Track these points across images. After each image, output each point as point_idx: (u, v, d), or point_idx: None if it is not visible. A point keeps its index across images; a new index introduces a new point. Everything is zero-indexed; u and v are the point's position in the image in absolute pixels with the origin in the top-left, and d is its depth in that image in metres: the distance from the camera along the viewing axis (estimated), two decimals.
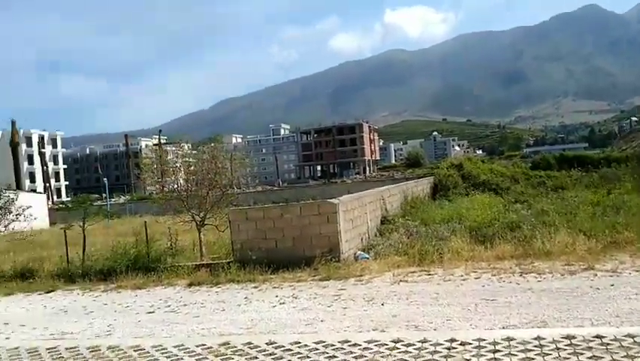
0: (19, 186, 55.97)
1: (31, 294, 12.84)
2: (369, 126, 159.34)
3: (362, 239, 14.98)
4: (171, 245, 15.27)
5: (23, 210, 30.76)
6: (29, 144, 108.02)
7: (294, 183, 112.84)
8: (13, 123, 60.40)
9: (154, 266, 13.86)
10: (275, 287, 11.11)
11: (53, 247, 18.53)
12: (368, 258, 13.55)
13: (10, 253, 19.10)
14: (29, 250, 20.14)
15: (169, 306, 10.29)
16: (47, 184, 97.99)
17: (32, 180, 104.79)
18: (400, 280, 10.67)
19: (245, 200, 43.61)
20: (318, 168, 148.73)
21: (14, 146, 58.09)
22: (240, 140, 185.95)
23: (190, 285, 12.13)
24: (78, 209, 19.14)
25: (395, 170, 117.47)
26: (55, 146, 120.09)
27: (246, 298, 10.40)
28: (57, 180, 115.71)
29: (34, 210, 34.76)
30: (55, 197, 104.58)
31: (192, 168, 17.24)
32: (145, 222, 15.45)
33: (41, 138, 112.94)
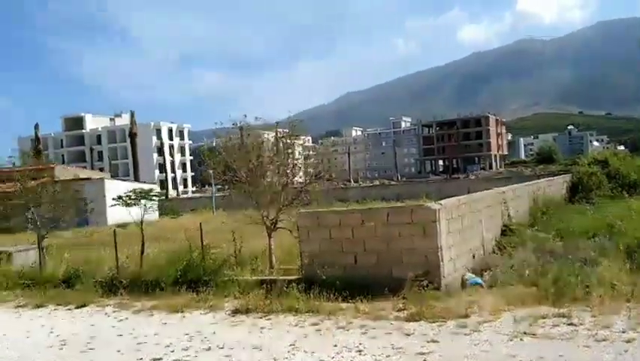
0: (136, 177, 57.44)
1: (60, 308, 10.69)
2: (497, 119, 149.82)
3: (474, 256, 11.30)
4: (235, 252, 12.56)
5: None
6: (159, 136, 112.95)
7: (413, 177, 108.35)
8: (132, 114, 62.28)
9: (207, 279, 11.22)
10: (340, 327, 7.90)
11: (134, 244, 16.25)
12: (481, 283, 9.94)
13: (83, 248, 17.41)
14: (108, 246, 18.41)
15: (187, 350, 7.42)
16: (174, 175, 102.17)
17: (161, 170, 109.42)
18: (525, 332, 7.01)
19: (345, 196, 40.82)
20: (440, 162, 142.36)
21: (132, 137, 59.81)
22: (359, 133, 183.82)
23: (235, 312, 9.26)
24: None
25: (524, 166, 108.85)
26: (182, 138, 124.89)
27: (292, 345, 7.28)
28: (184, 170, 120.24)
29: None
30: (182, 187, 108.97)
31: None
32: (200, 223, 12.84)
33: (170, 131, 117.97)
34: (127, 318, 9.48)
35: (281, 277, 10.63)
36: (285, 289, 9.88)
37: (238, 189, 13.77)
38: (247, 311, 9.16)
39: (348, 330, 7.74)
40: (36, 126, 64.09)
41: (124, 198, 13.96)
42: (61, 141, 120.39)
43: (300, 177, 14.33)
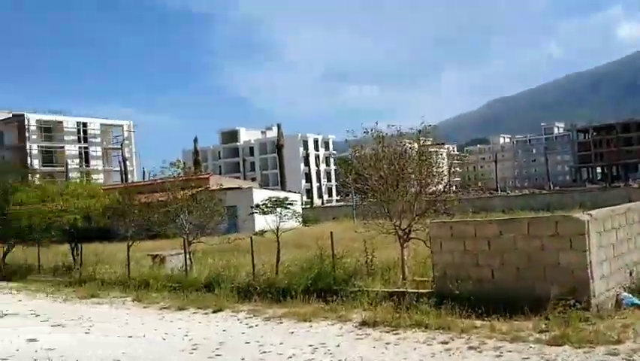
0: (283, 186, 59.68)
1: (198, 311, 11.15)
2: None
3: (631, 273, 9.96)
4: (367, 262, 12.31)
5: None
6: (305, 147, 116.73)
7: (567, 186, 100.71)
8: (279, 127, 65.00)
9: (337, 289, 11.10)
10: (472, 347, 7.28)
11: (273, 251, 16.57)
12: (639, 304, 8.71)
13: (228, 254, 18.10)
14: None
15: None
16: (319, 184, 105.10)
17: (307, 180, 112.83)
18: None
19: (489, 205, 38.72)
20: (598, 169, 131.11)
21: (279, 148, 62.26)
22: (507, 140, 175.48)
23: (362, 324, 8.97)
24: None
25: None
26: (327, 148, 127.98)
27: None
28: (328, 180, 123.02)
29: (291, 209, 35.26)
30: (326, 196, 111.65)
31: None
32: (331, 232, 12.74)
33: (315, 142, 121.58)
34: (257, 325, 9.60)
35: (411, 290, 10.18)
36: (414, 302, 9.43)
37: (371, 197, 13.52)
38: (374, 324, 8.83)
39: (480, 351, 7.10)
40: (195, 140, 69.29)
41: (261, 207, 14.38)
42: (219, 152, 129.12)
43: (442, 186, 13.75)
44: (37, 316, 11.79)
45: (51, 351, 8.39)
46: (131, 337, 9.17)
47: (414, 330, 8.33)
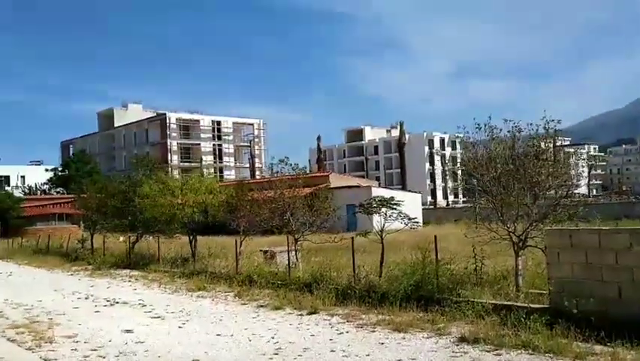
0: (404, 186, 58.59)
1: (293, 312, 10.82)
2: None
3: None
4: (476, 270, 11.29)
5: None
6: (431, 145, 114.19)
7: None
8: (400, 125, 63.83)
9: (440, 298, 10.25)
10: None
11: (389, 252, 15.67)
12: None
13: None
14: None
15: None
16: (444, 184, 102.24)
17: (432, 179, 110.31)
18: None
19: (633, 211, 34.83)
20: None
21: (401, 147, 61.14)
22: None
23: (461, 340, 8.08)
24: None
25: None
26: (454, 148, 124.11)
27: None
28: (454, 180, 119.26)
29: (407, 208, 34.46)
30: (452, 197, 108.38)
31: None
32: (435, 236, 11.81)
33: (442, 140, 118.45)
34: (348, 332, 9.05)
35: (519, 304, 9.07)
36: (524, 319, 8.35)
37: (483, 199, 12.45)
38: (475, 341, 7.91)
39: None
40: (318, 138, 70.30)
41: (365, 206, 13.82)
42: (344, 151, 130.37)
43: (567, 189, 12.35)
44: (143, 306, 12.16)
45: (139, 345, 8.45)
46: (219, 335, 9.02)
47: (519, 351, 7.32)
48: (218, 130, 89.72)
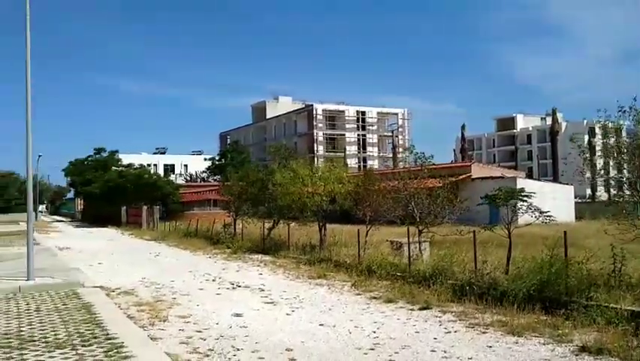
0: (555, 177, 54.35)
1: (405, 307, 10.40)
2: None
3: None
4: (614, 271, 10.00)
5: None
6: (592, 134, 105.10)
7: None
8: (553, 112, 59.10)
9: (567, 300, 9.24)
10: None
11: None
12: None
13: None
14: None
15: None
16: (606, 176, 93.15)
17: (592, 171, 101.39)
18: None
19: None
20: None
21: (553, 135, 56.70)
22: None
23: (582, 350, 7.17)
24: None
25: None
26: (619, 136, 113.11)
27: None
28: (618, 171, 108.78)
29: (556, 202, 32.05)
30: (613, 191, 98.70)
31: None
32: (564, 232, 10.57)
33: (604, 128, 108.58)
34: (456, 331, 8.46)
35: None
36: None
37: (627, 191, 11.03)
38: (598, 352, 6.97)
39: None
40: (462, 127, 67.84)
41: (490, 197, 12.91)
42: (493, 140, 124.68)
43: None
44: (262, 290, 12.47)
45: (242, 329, 8.60)
46: (322, 325, 8.91)
47: None
48: (363, 120, 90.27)
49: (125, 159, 64.23)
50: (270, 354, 7.15)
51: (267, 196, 23.39)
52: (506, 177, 39.24)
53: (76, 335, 7.92)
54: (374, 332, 8.36)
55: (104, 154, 61.27)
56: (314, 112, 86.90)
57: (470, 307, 10.05)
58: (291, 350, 7.37)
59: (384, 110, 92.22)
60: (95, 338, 7.72)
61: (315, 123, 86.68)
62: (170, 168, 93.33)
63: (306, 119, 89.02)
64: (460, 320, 9.12)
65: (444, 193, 15.43)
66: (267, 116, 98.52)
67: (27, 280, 12.40)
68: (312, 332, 8.42)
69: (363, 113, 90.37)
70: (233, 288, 12.94)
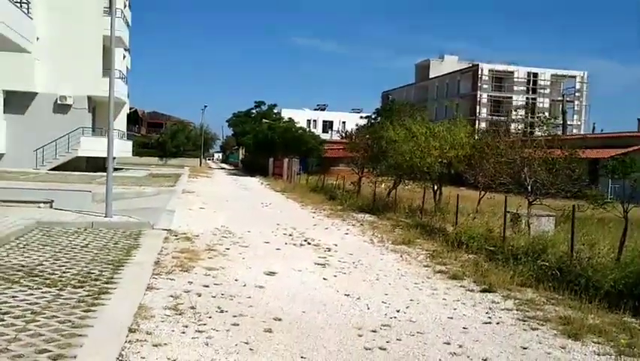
0: None
1: (466, 286, 8.85)
2: None
3: None
4: None
5: None
6: None
7: None
8: None
9: None
10: None
11: None
12: None
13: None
14: None
15: None
16: None
17: None
18: None
19: None
20: None
21: None
22: None
23: None
24: None
25: None
26: None
27: None
28: None
29: None
30: None
31: None
32: None
33: None
34: (498, 323, 6.83)
35: None
36: None
37: None
38: None
39: None
40: None
41: (608, 168, 10.51)
42: None
43: None
44: (327, 250, 11.56)
45: (258, 290, 7.78)
46: (347, 295, 7.81)
47: None
48: (534, 83, 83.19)
49: (287, 113, 66.05)
50: (251, 322, 6.24)
51: (382, 154, 22.19)
52: None
53: (86, 275, 7.72)
54: (398, 311, 7.07)
55: (264, 107, 63.59)
56: (479, 72, 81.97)
57: (544, 295, 8.26)
58: (280, 320, 6.41)
59: (560, 72, 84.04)
60: (96, 280, 7.43)
61: (479, 84, 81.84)
62: (328, 125, 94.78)
63: (470, 79, 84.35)
64: (517, 310, 7.44)
65: (560, 162, 13.09)
66: (431, 76, 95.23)
67: (105, 216, 12.81)
68: (326, 302, 7.35)
69: (535, 75, 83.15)
70: (301, 245, 12.17)
